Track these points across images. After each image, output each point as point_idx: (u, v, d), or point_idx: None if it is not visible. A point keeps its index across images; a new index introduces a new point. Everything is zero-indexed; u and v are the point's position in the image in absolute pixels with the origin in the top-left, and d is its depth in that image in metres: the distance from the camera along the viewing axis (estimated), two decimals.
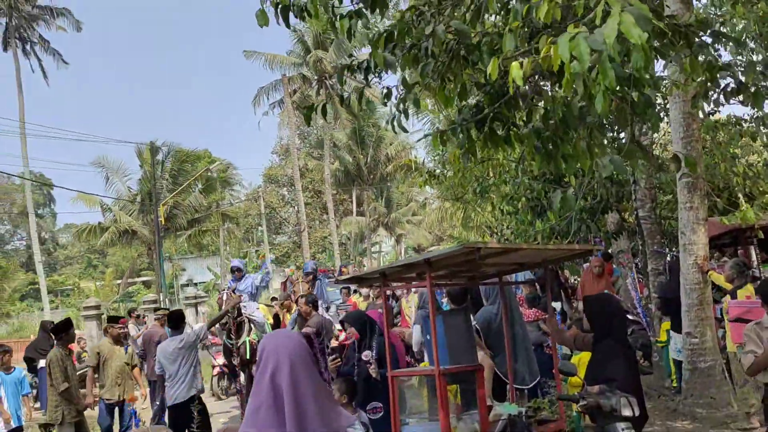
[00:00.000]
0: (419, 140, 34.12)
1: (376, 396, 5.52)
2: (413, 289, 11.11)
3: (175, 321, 8.06)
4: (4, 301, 37.70)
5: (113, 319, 9.53)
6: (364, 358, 5.60)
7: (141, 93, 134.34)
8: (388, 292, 11.84)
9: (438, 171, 10.25)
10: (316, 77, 39.12)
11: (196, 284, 53.18)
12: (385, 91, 4.73)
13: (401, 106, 4.68)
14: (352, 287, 13.21)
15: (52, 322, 14.73)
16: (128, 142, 33.37)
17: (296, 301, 10.31)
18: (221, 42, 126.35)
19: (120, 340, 9.33)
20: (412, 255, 50.01)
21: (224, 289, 10.94)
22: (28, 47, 34.46)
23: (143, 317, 18.64)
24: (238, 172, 65.25)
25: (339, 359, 6.40)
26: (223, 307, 9.96)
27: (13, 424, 8.91)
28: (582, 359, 5.75)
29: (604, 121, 4.58)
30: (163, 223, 27.40)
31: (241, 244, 47.63)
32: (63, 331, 8.07)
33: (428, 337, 4.64)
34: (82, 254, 67.35)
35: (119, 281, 52.91)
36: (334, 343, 8.49)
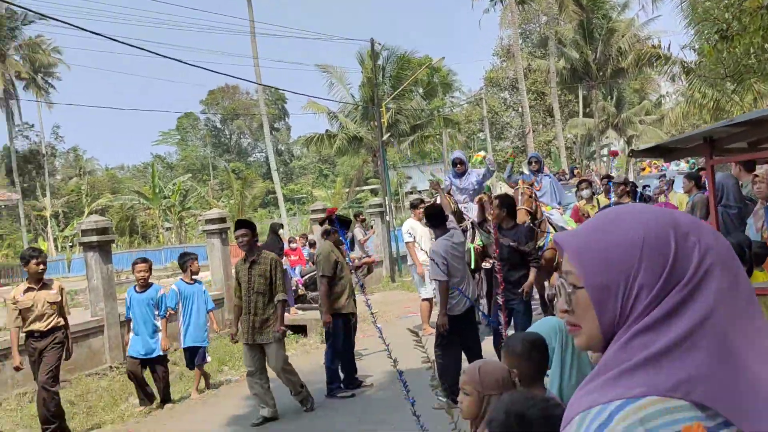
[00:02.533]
0: None
1: None
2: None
3: (437, 217, 6.86)
4: (246, 207, 40.55)
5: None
6: None
7: None
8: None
9: (732, 30, 7.83)
10: None
11: (420, 191, 53.75)
12: None
13: None
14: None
15: (281, 225, 14.91)
16: (349, 39, 33.61)
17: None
18: None
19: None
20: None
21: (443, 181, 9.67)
22: None
23: (369, 222, 18.45)
24: (458, 78, 64.23)
25: None
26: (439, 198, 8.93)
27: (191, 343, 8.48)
28: None
29: None
30: (385, 124, 27.06)
31: (464, 150, 46.87)
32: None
33: None
34: (314, 164, 71.08)
35: (348, 189, 54.94)
36: None
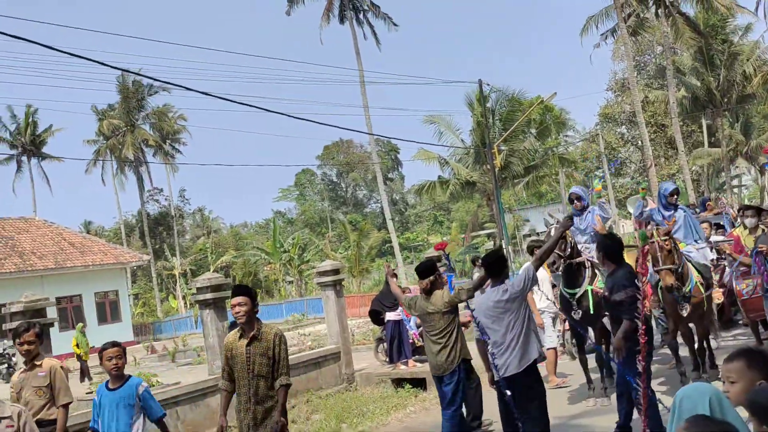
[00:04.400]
0: None
1: None
2: None
3: (495, 266, 6.16)
4: (363, 258, 40.75)
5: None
6: None
7: (461, 37, 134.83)
8: None
9: None
10: None
11: (538, 233, 52.48)
12: None
13: None
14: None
15: (395, 275, 14.55)
16: (457, 82, 33.49)
17: None
18: None
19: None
20: None
21: (552, 225, 8.60)
22: (360, 16, 36.18)
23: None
24: (572, 116, 62.81)
25: None
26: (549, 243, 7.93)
27: None
28: None
29: None
30: (498, 166, 26.55)
31: (583, 187, 45.44)
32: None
33: None
34: (428, 211, 71.26)
35: (463, 235, 54.42)
36: None
